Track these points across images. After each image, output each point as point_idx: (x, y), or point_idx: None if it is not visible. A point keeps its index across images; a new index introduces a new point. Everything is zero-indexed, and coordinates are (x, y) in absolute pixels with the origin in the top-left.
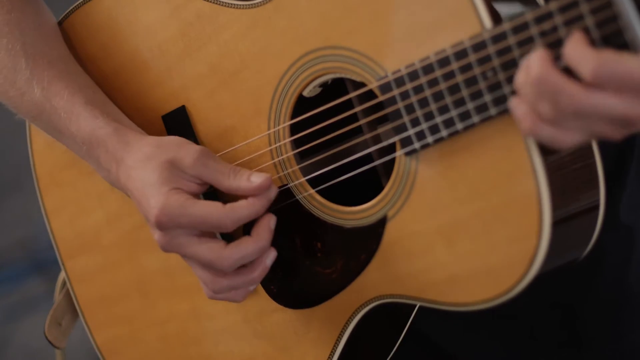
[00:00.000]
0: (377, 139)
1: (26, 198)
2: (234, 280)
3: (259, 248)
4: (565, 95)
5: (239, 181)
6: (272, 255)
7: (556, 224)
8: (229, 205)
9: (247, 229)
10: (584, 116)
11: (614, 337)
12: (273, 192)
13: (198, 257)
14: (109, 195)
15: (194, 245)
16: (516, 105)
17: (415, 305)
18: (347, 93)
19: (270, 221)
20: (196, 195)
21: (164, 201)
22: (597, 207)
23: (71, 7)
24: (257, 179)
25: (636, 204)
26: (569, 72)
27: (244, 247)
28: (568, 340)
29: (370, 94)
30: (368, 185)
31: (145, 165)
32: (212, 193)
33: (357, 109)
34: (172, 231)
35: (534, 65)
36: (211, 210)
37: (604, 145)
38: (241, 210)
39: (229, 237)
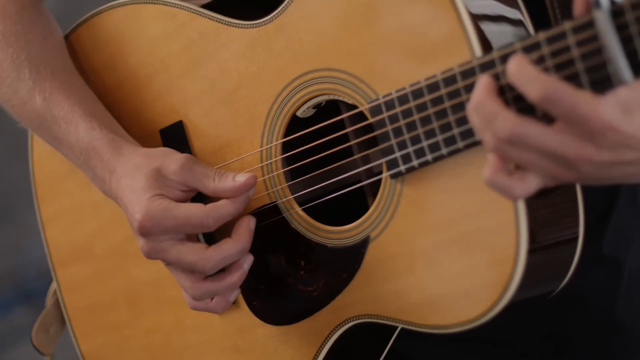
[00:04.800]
0: (366, 160)
1: (14, 228)
2: (213, 285)
3: (239, 249)
4: (500, 120)
5: (224, 182)
6: (249, 260)
7: (532, 251)
8: (210, 204)
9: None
10: (521, 146)
11: None
12: (252, 191)
13: (181, 259)
14: (104, 206)
15: (177, 248)
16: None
17: (396, 328)
18: (339, 115)
19: (249, 222)
20: (181, 202)
21: (147, 206)
22: (575, 239)
23: (79, 21)
24: (242, 177)
25: (622, 239)
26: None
27: (225, 248)
28: None
29: (363, 117)
30: (356, 204)
31: (134, 174)
32: (196, 199)
33: (347, 130)
34: (156, 237)
35: (474, 92)
36: (193, 210)
37: None
38: (223, 208)
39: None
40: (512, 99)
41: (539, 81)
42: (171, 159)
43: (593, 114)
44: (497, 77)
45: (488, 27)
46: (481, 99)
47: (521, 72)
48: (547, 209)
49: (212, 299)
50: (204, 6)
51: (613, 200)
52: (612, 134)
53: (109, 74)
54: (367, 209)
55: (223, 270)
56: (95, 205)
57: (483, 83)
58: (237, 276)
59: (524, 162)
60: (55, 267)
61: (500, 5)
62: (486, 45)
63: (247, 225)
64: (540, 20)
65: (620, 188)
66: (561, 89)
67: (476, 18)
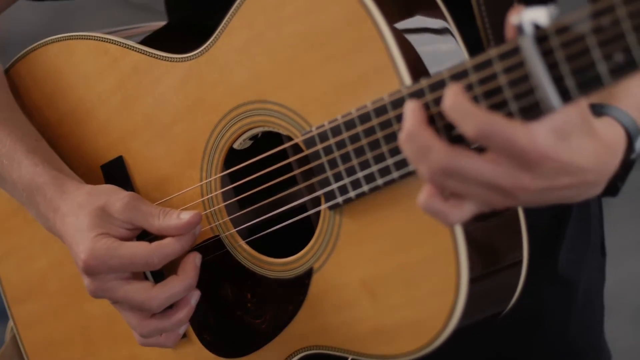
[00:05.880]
0: (304, 192)
1: None
2: (161, 322)
3: (186, 285)
4: (434, 153)
5: (169, 220)
6: (196, 296)
7: (474, 279)
8: (155, 242)
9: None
10: (456, 178)
11: None
12: (198, 228)
13: (128, 299)
14: (53, 243)
15: (123, 287)
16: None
17: (346, 358)
18: (277, 146)
19: (195, 259)
20: (125, 240)
21: (91, 246)
22: (519, 263)
23: (17, 56)
24: (186, 215)
25: (575, 260)
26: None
27: (172, 286)
28: None
29: (301, 148)
30: (304, 234)
31: (78, 212)
32: (141, 236)
33: (286, 161)
34: (102, 276)
35: (405, 122)
36: (138, 249)
37: None
38: (168, 246)
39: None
40: (443, 127)
41: (474, 117)
42: (115, 198)
43: (530, 146)
44: (427, 106)
45: (421, 52)
46: (412, 130)
47: (456, 106)
48: (487, 234)
49: (161, 334)
50: (142, 41)
51: (565, 220)
52: (548, 162)
53: (49, 110)
54: (311, 239)
55: (171, 307)
56: (45, 242)
57: (412, 112)
58: (184, 312)
59: (459, 191)
60: (10, 305)
61: (432, 28)
62: (419, 70)
63: (193, 262)
64: (473, 42)
65: (571, 208)
66: (496, 123)
67: (407, 44)
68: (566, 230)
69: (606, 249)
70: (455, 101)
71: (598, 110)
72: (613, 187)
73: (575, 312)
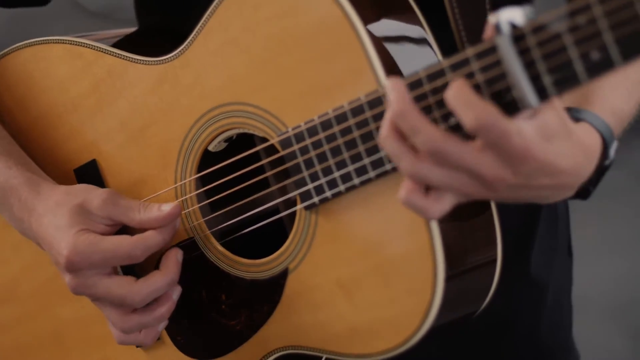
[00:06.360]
0: (279, 193)
1: None
2: (143, 317)
3: (168, 281)
4: (424, 133)
5: (149, 213)
6: (177, 291)
7: (450, 277)
8: (137, 235)
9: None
10: (442, 161)
11: None
12: (178, 221)
13: (110, 293)
14: (24, 247)
15: (105, 282)
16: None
17: (321, 358)
18: (251, 148)
19: (177, 254)
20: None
21: (73, 242)
22: (494, 262)
23: None
24: (167, 207)
25: (546, 261)
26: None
27: (154, 281)
28: None
29: (276, 149)
30: (277, 236)
31: (55, 211)
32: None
33: (259, 163)
34: (84, 272)
35: (392, 102)
36: (120, 242)
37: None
38: (150, 238)
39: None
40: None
41: (475, 107)
42: (93, 195)
43: (519, 143)
44: None
45: (395, 54)
46: (403, 109)
47: (459, 95)
48: (462, 233)
49: (141, 331)
50: (115, 44)
51: (535, 222)
52: (532, 161)
53: (22, 114)
54: (285, 240)
55: (151, 303)
56: (16, 246)
57: (399, 92)
58: (166, 307)
59: (440, 182)
60: None
61: (407, 30)
62: (394, 72)
63: (175, 257)
64: (447, 45)
65: (541, 209)
66: (495, 115)
67: (382, 46)
68: (537, 232)
69: (573, 250)
70: (458, 90)
71: (574, 114)
72: (584, 190)
73: (545, 313)
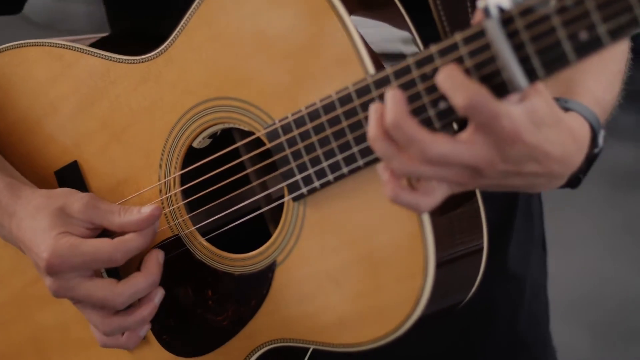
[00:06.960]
0: (264, 187)
1: None
2: (125, 320)
3: (150, 282)
4: (420, 142)
5: (129, 216)
6: (159, 294)
7: (440, 264)
8: (117, 238)
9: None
10: (437, 164)
11: None
12: (157, 224)
13: (91, 296)
14: (2, 253)
15: (86, 285)
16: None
17: (308, 349)
18: (235, 143)
19: (158, 256)
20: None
21: (53, 244)
22: (480, 250)
23: None
24: (147, 209)
25: (523, 254)
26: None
27: (135, 282)
28: None
29: (260, 143)
30: (260, 231)
31: (36, 215)
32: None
33: (244, 157)
34: (64, 275)
35: (388, 111)
36: (101, 245)
37: (489, 195)
38: (130, 241)
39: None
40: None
41: (466, 88)
42: (74, 198)
43: (509, 125)
44: None
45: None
46: (398, 120)
47: (449, 77)
48: (451, 221)
49: (123, 334)
50: (94, 44)
51: (512, 215)
52: (520, 144)
53: (0, 120)
54: (269, 235)
55: (132, 306)
56: None
57: (396, 103)
58: (148, 310)
59: (433, 178)
60: None
61: (390, 22)
62: (379, 62)
63: (156, 259)
64: (430, 37)
65: (517, 202)
66: (486, 96)
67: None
68: (514, 225)
69: (546, 244)
70: (449, 72)
71: (562, 104)
72: (575, 179)
73: (524, 306)
